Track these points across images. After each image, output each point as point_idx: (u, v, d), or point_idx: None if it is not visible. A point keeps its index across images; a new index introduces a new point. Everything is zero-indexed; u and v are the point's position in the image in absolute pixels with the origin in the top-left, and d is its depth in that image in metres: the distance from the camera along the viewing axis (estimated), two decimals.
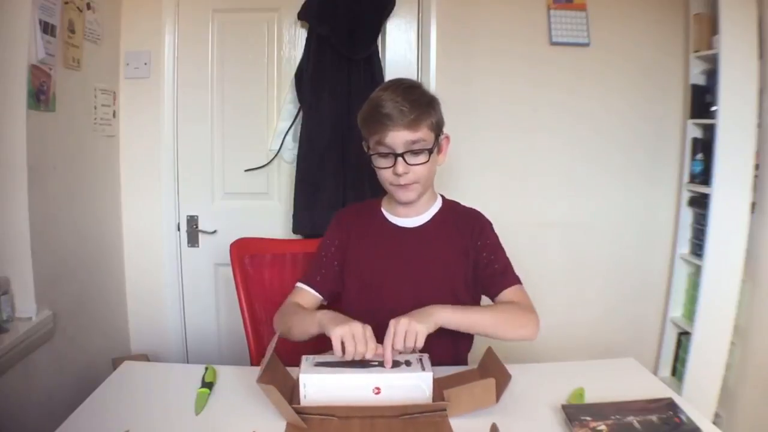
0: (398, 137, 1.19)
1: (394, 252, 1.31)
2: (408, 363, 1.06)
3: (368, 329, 1.05)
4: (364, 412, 0.99)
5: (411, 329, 1.05)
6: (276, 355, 1.11)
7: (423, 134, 1.21)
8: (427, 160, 1.23)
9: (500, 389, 1.04)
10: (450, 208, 1.38)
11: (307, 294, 1.32)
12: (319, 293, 1.32)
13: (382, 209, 1.37)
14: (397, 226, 1.33)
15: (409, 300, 1.28)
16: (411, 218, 1.33)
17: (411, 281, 1.29)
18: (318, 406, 1.00)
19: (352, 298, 1.34)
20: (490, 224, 1.38)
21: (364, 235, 1.35)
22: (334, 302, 1.36)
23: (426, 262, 1.30)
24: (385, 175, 1.25)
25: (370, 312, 1.29)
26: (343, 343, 1.03)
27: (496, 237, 1.37)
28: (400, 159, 1.20)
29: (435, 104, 1.26)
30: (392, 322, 1.07)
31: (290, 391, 1.06)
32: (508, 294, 1.28)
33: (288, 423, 0.99)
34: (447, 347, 1.30)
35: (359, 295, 1.32)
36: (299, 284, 1.34)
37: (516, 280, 1.31)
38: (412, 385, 1.02)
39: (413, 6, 2.09)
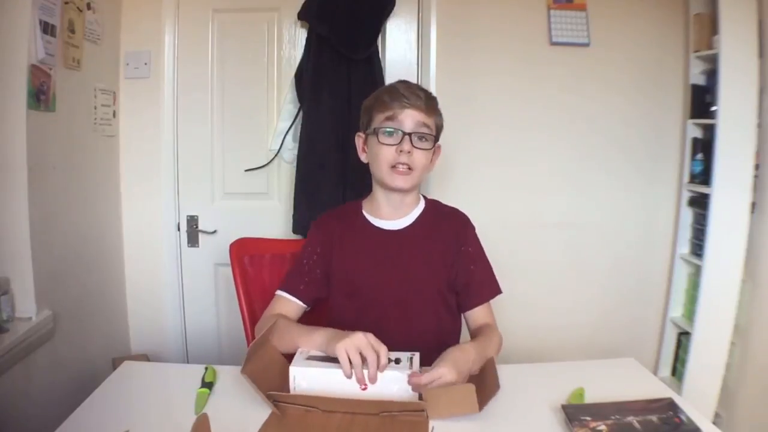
0: (412, 116, 1.22)
1: (378, 255, 1.30)
2: (398, 361, 1.07)
3: (370, 336, 1.04)
4: (346, 407, 1.01)
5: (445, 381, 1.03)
6: (272, 346, 1.13)
7: (431, 123, 1.25)
8: (430, 149, 1.26)
9: (486, 398, 1.03)
10: (433, 208, 1.37)
11: (289, 303, 1.30)
12: (303, 302, 1.30)
13: (364, 212, 1.35)
14: (381, 229, 1.32)
15: (396, 302, 1.29)
16: (394, 220, 1.32)
17: (397, 284, 1.29)
18: (302, 396, 1.02)
19: (339, 303, 1.32)
20: (473, 228, 1.38)
21: (347, 240, 1.33)
22: (316, 309, 1.34)
23: (411, 264, 1.30)
24: (386, 154, 1.23)
25: (357, 316, 1.29)
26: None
27: (479, 243, 1.38)
28: (407, 137, 1.21)
29: (439, 108, 1.30)
30: (442, 370, 1.03)
31: (283, 383, 1.07)
32: (479, 313, 1.32)
33: (272, 411, 1.02)
34: (438, 346, 1.32)
35: (346, 300, 1.31)
36: (281, 293, 1.31)
37: (490, 293, 1.34)
38: (399, 383, 1.03)
39: (413, 6, 2.09)
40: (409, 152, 1.21)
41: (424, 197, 1.39)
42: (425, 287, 1.30)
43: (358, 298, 1.30)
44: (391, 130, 1.22)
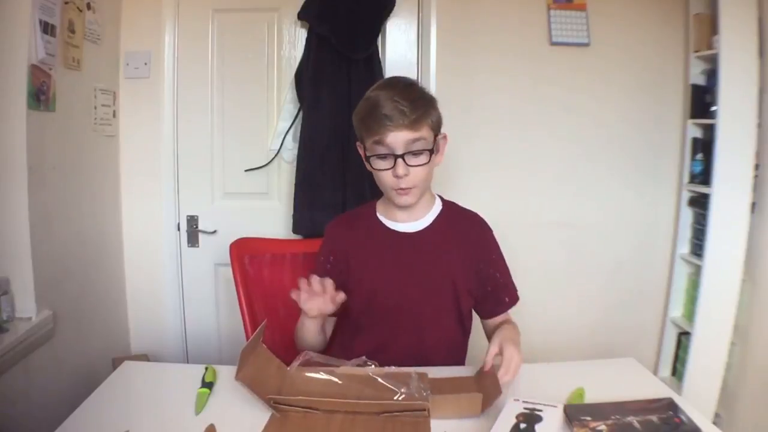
0: (399, 137, 1.15)
1: (397, 259, 1.28)
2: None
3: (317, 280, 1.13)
4: (346, 408, 1.01)
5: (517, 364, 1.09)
6: (264, 348, 1.12)
7: (423, 133, 1.18)
8: (428, 161, 1.20)
9: (488, 402, 1.03)
10: (450, 210, 1.35)
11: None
12: None
13: (379, 215, 1.33)
14: (398, 232, 1.30)
15: (414, 307, 1.27)
16: (411, 223, 1.30)
17: (415, 288, 1.27)
18: (302, 398, 1.02)
19: (358, 309, 1.30)
20: (492, 232, 1.37)
21: (363, 246, 1.31)
22: (336, 315, 1.32)
23: (429, 268, 1.28)
24: (385, 179, 1.21)
25: (372, 320, 1.28)
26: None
27: (498, 247, 1.37)
28: (400, 160, 1.16)
29: (434, 102, 1.23)
30: (510, 350, 1.09)
31: (281, 382, 1.07)
32: (499, 318, 1.34)
33: (272, 414, 1.02)
34: (449, 352, 1.31)
35: (365, 306, 1.29)
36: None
37: (512, 300, 1.34)
38: None
39: (413, 6, 2.09)
40: (405, 175, 1.18)
41: (441, 198, 1.37)
42: (443, 293, 1.28)
43: (375, 302, 1.28)
44: (383, 153, 1.18)
